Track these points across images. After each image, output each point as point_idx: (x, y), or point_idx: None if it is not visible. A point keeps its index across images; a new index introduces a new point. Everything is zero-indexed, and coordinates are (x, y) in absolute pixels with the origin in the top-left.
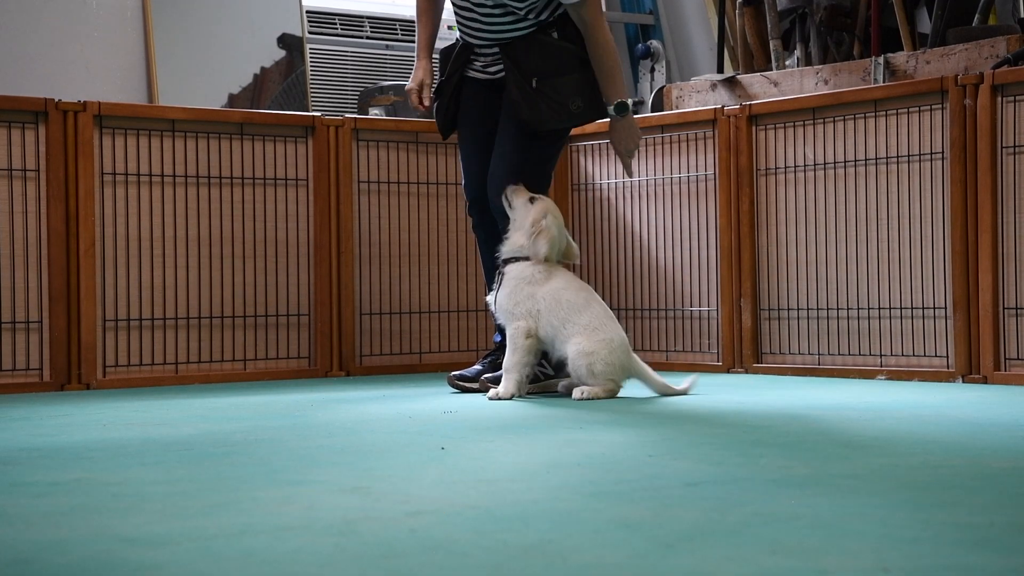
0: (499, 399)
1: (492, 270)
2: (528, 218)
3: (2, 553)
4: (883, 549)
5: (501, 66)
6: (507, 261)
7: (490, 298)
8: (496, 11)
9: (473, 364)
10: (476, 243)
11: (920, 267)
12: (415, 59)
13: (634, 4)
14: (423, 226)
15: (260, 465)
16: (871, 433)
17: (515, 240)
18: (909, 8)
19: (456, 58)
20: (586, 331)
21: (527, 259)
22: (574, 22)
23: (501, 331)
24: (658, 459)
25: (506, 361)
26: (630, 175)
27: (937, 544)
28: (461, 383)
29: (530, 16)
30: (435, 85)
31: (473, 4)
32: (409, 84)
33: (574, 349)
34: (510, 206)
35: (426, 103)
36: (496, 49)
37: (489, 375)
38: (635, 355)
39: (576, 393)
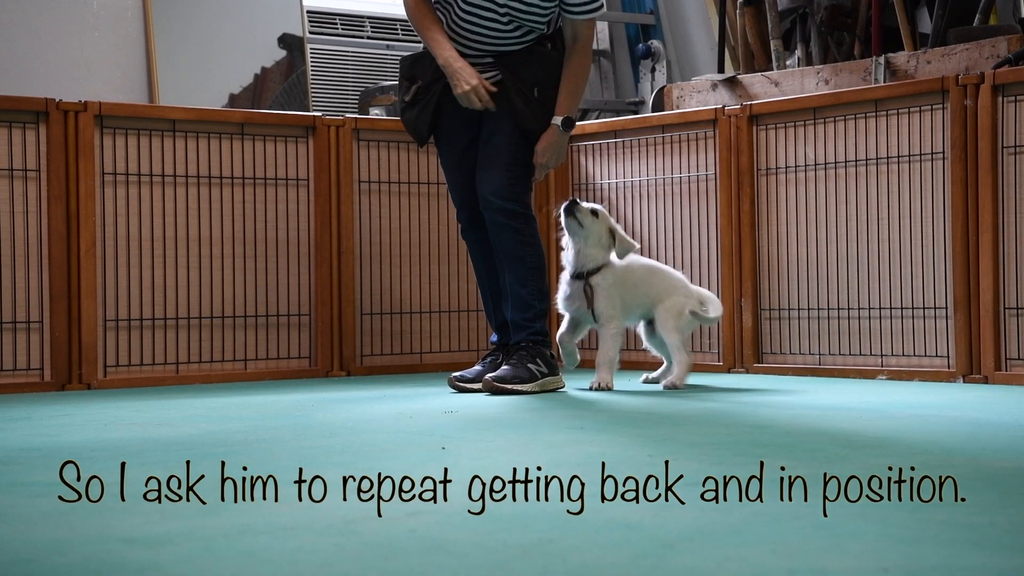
0: (608, 389)
1: (485, 274)
2: (602, 232)
3: (2, 553)
4: (883, 549)
5: (491, 74)
6: (591, 273)
7: (565, 301)
8: (508, 26)
9: (474, 365)
10: (467, 249)
11: (921, 267)
12: (448, 62)
13: (634, 4)
14: (423, 226)
15: (260, 465)
16: (871, 433)
17: (595, 254)
18: (910, 8)
19: (438, 66)
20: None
21: (604, 266)
22: (560, 37)
23: (497, 330)
24: (658, 459)
25: (604, 356)
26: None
27: (937, 544)
28: (461, 384)
29: (540, 30)
30: (414, 92)
31: (483, 20)
32: (469, 82)
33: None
34: (580, 224)
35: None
36: (489, 59)
37: (492, 374)
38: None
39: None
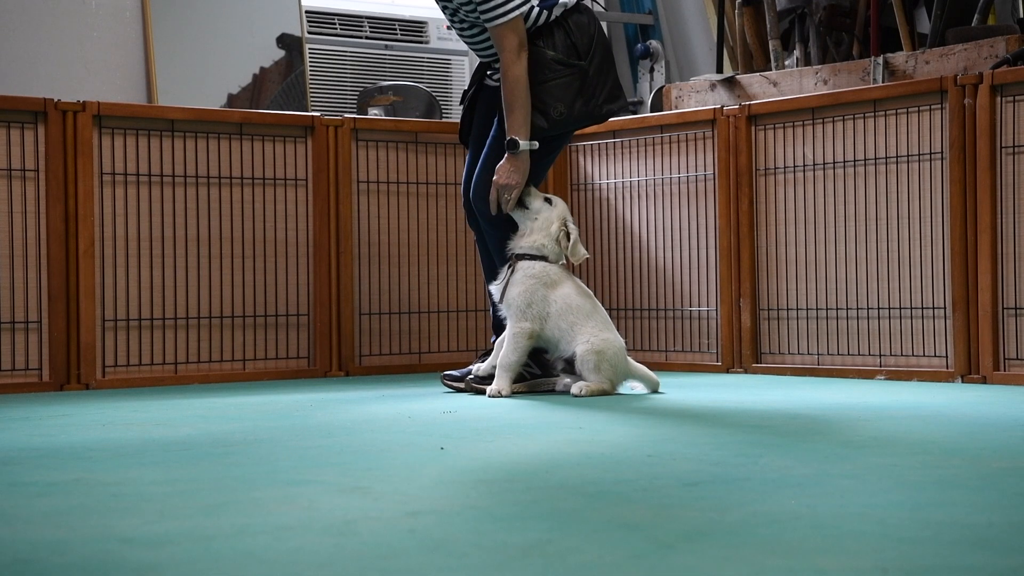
0: (500, 396)
1: (490, 265)
2: (553, 220)
3: (2, 553)
4: (882, 549)
5: (497, 75)
6: (520, 257)
7: (495, 288)
8: (477, 36)
9: (470, 364)
10: (475, 239)
11: (919, 267)
12: None
13: (634, 4)
14: (422, 226)
15: (259, 465)
16: (871, 433)
17: (535, 239)
18: (908, 8)
19: (477, 69)
20: (594, 332)
21: (542, 258)
22: (563, 31)
23: (495, 329)
24: (658, 459)
25: (503, 359)
26: (494, 211)
27: (937, 544)
28: (452, 383)
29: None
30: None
31: (459, 30)
32: None
33: (583, 347)
34: (526, 207)
35: None
36: (499, 64)
37: (474, 374)
38: (630, 359)
39: (575, 389)
